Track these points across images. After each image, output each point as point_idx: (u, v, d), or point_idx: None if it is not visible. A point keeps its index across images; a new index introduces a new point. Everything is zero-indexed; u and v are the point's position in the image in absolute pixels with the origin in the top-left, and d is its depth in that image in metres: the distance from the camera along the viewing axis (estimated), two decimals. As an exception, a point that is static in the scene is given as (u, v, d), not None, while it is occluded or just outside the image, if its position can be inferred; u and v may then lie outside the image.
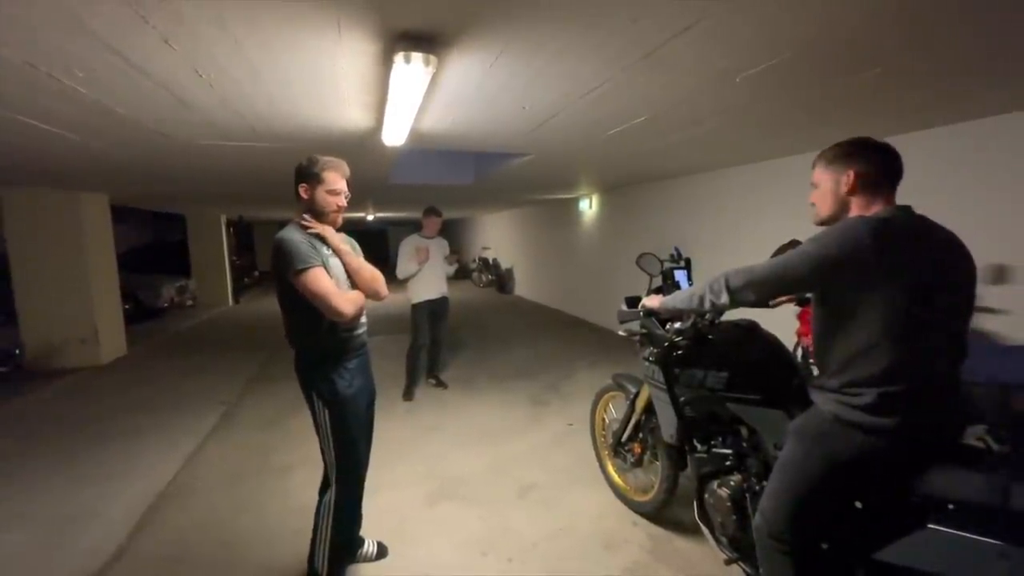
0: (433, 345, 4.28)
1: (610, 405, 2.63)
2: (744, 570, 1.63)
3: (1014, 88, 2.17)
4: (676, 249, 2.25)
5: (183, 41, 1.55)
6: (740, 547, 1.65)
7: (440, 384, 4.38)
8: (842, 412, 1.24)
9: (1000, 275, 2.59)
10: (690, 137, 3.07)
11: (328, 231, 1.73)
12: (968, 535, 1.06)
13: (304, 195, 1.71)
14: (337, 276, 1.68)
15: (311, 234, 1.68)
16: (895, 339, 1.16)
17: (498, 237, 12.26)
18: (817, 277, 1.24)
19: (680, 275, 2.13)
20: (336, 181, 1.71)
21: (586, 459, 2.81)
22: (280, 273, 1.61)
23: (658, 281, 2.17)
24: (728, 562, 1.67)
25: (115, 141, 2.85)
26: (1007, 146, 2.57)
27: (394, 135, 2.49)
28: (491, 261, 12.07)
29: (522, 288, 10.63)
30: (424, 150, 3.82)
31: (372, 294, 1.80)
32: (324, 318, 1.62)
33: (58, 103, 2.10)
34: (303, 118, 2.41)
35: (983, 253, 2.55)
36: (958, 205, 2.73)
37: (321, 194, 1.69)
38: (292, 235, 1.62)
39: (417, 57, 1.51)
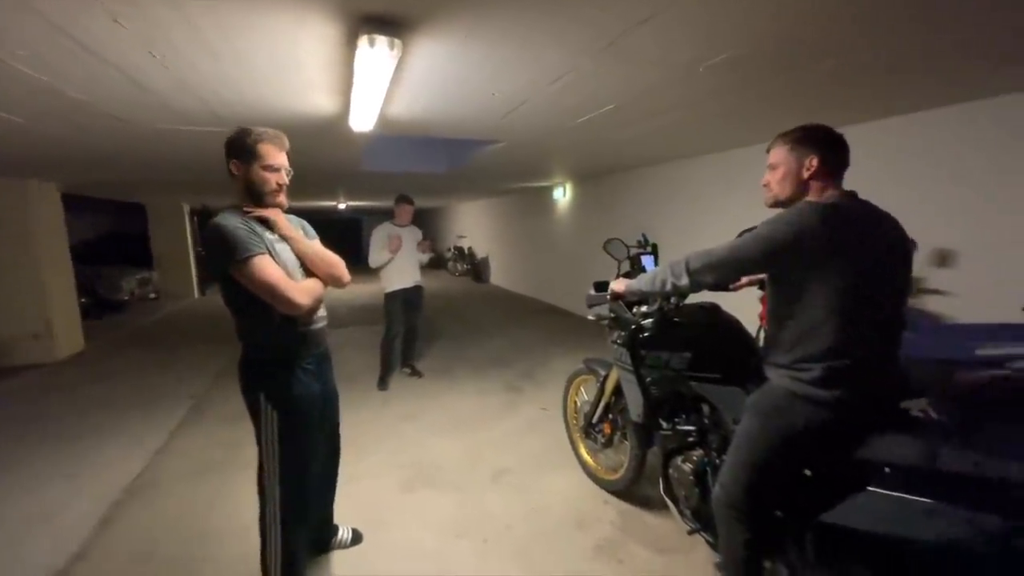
0: (408, 334, 4.27)
1: (581, 388, 2.70)
2: (705, 539, 1.71)
3: (961, 81, 2.29)
4: (643, 235, 2.30)
5: (134, 20, 1.48)
6: (702, 518, 1.73)
7: (415, 373, 4.38)
8: (793, 386, 1.31)
9: (945, 259, 2.75)
10: (658, 126, 3.12)
11: (276, 214, 1.56)
12: (903, 495, 1.15)
13: (236, 173, 1.52)
14: (287, 264, 1.52)
15: (253, 218, 1.51)
16: (841, 317, 1.24)
17: (473, 226, 12.22)
18: (770, 259, 1.30)
19: (647, 260, 2.19)
20: (274, 155, 1.51)
21: (559, 442, 2.88)
22: (217, 266, 1.43)
23: (626, 266, 2.23)
24: (691, 532, 1.76)
25: (65, 125, 2.71)
26: (954, 137, 2.71)
27: (362, 120, 2.45)
28: (467, 250, 12.03)
29: (498, 277, 10.65)
30: (396, 137, 3.76)
31: (332, 281, 1.65)
32: (276, 312, 1.46)
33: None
34: (268, 102, 2.35)
35: (930, 238, 2.74)
36: (909, 193, 2.88)
37: (257, 171, 1.50)
38: (227, 221, 1.43)
39: (382, 40, 1.49)
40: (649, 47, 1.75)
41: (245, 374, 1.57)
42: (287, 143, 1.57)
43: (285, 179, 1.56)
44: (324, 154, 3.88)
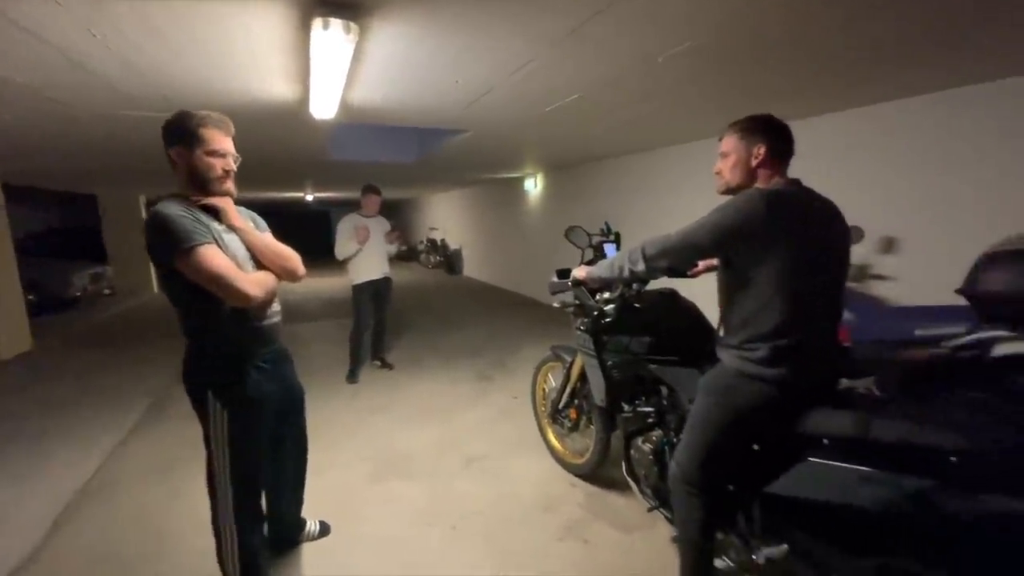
0: (377, 327, 4.23)
1: (549, 375, 2.74)
2: (664, 515, 1.79)
3: (905, 78, 2.40)
4: (606, 223, 2.34)
5: (70, -4, 1.41)
6: (661, 495, 1.80)
7: (386, 366, 4.35)
8: (742, 366, 1.38)
9: (889, 246, 2.91)
10: (622, 117, 3.17)
11: (225, 203, 1.48)
12: (840, 464, 1.23)
13: (178, 160, 1.42)
14: (236, 255, 1.44)
15: (200, 207, 1.43)
16: (785, 299, 1.30)
17: (446, 218, 12.12)
18: (719, 244, 1.35)
19: (610, 248, 2.23)
20: (218, 140, 1.43)
21: (529, 429, 2.92)
22: (159, 257, 1.34)
23: (590, 254, 2.27)
24: (650, 509, 1.83)
25: (2, 108, 2.54)
26: (899, 132, 2.85)
27: (322, 107, 2.40)
28: (439, 242, 11.94)
29: (471, 269, 10.62)
30: (362, 126, 3.70)
31: (285, 275, 1.57)
32: (224, 305, 1.39)
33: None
34: (222, 87, 2.27)
35: (877, 227, 2.89)
36: (858, 184, 3.03)
37: (200, 157, 1.41)
38: (169, 209, 1.34)
39: (336, 24, 1.46)
40: (609, 36, 1.77)
41: (191, 372, 1.49)
42: (233, 128, 1.49)
43: (232, 165, 1.48)
44: (286, 143, 3.77)
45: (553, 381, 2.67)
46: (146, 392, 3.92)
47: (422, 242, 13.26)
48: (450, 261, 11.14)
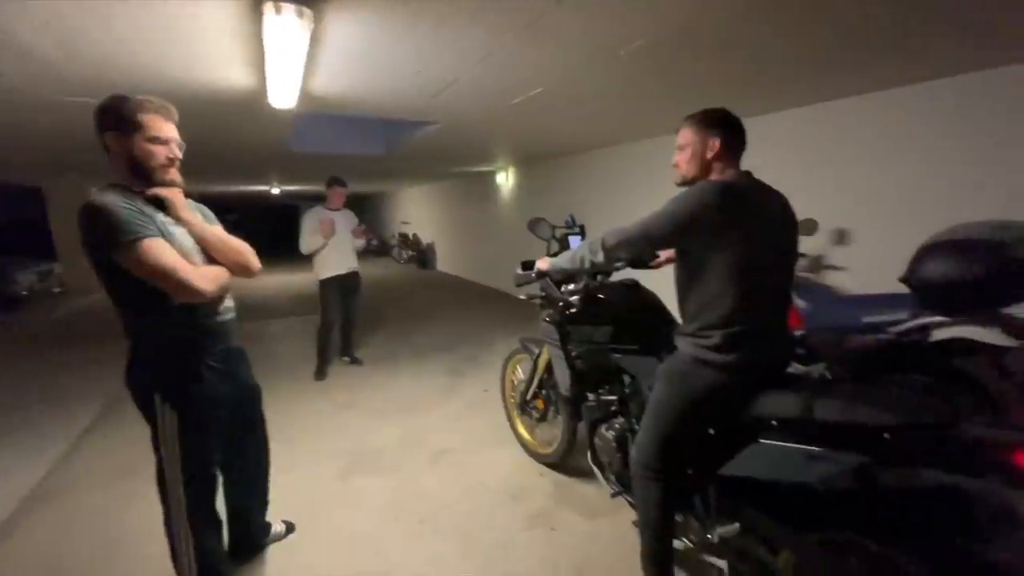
0: (345, 323, 4.16)
1: (518, 367, 2.76)
2: (627, 500, 1.83)
3: (856, 75, 2.50)
4: (571, 216, 2.37)
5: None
6: (624, 481, 1.85)
7: (355, 362, 4.28)
8: (697, 353, 1.42)
9: (841, 238, 3.04)
10: (588, 112, 3.19)
11: (174, 194, 1.40)
12: (787, 444, 1.29)
13: (114, 147, 1.33)
14: (184, 249, 1.38)
15: (144, 198, 1.35)
16: (736, 288, 1.34)
17: (418, 212, 11.98)
18: (675, 234, 1.39)
19: (574, 240, 2.26)
20: (160, 126, 1.35)
21: (499, 422, 2.93)
22: (97, 250, 1.26)
23: (556, 246, 2.29)
24: (614, 495, 1.87)
25: (-74, 93, 2.37)
26: (851, 127, 2.97)
27: (282, 96, 2.33)
28: (411, 236, 11.79)
29: (444, 263, 10.54)
30: (328, 116, 3.59)
31: (239, 270, 1.51)
32: (172, 301, 1.34)
33: None
34: (175, 74, 2.16)
35: (830, 219, 3.01)
36: (811, 178, 3.14)
37: (141, 144, 1.32)
38: (106, 199, 1.25)
39: (289, 8, 1.42)
40: (568, 29, 1.78)
41: (136, 374, 1.42)
42: (175, 113, 1.41)
43: (177, 152, 1.41)
44: (246, 133, 3.64)
45: (521, 373, 2.69)
46: (99, 393, 3.74)
47: (394, 236, 13.07)
48: (423, 255, 11.03)
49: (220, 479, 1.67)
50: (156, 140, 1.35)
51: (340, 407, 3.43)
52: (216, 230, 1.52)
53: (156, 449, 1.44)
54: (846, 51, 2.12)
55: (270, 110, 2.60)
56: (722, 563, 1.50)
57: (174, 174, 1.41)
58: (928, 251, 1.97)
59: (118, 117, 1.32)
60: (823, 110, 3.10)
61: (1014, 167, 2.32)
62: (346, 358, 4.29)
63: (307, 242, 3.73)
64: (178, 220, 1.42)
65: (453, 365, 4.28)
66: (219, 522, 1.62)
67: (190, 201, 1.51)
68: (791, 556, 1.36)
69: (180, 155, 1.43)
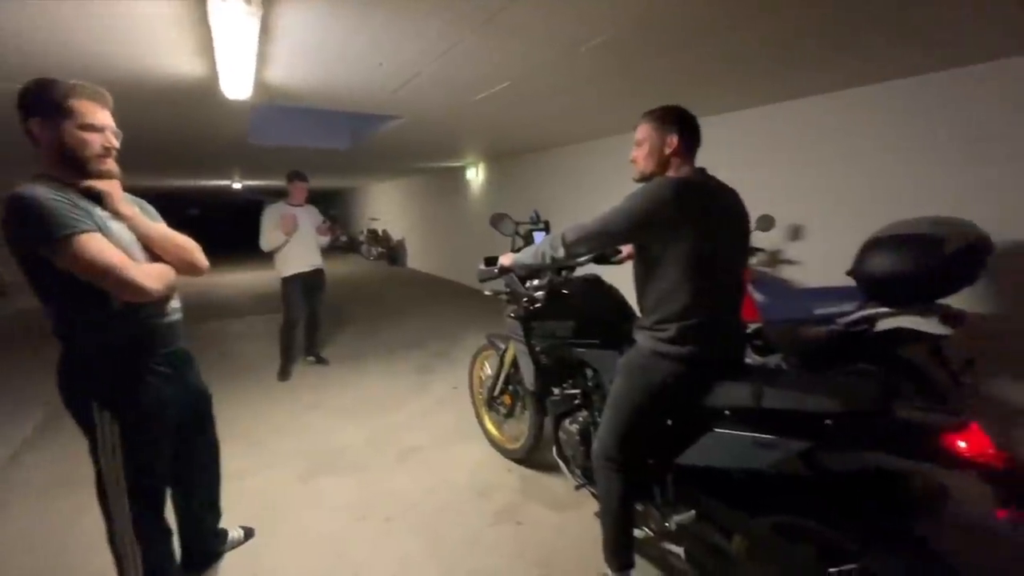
0: (310, 321, 4.06)
1: (485, 363, 2.75)
2: (591, 492, 1.86)
3: (814, 76, 2.59)
4: (535, 212, 2.37)
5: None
6: (589, 474, 1.87)
7: (321, 361, 4.18)
8: (655, 346, 1.45)
9: (796, 233, 3.16)
10: (555, 108, 3.20)
11: (113, 187, 1.31)
12: (739, 432, 1.33)
13: (41, 135, 1.23)
14: (124, 245, 1.28)
15: (81, 190, 1.26)
16: (691, 281, 1.37)
17: (388, 208, 11.78)
18: (633, 229, 1.41)
19: (539, 236, 2.26)
20: (93, 112, 1.25)
21: (468, 418, 2.92)
22: (26, 246, 1.18)
23: (520, 242, 2.29)
24: (578, 487, 1.90)
25: None
26: (805, 127, 3.08)
27: (235, 87, 2.24)
28: (380, 233, 11.59)
29: (415, 260, 10.41)
30: (291, 109, 3.47)
31: (186, 268, 1.43)
32: (112, 301, 1.25)
33: None
34: (119, 62, 2.04)
35: (786, 216, 3.12)
36: (769, 176, 3.25)
37: (72, 132, 1.23)
38: (35, 192, 1.16)
39: (235, -5, 1.36)
40: (529, 24, 1.78)
41: (70, 379, 1.32)
42: (110, 100, 1.32)
43: (113, 141, 1.32)
44: (201, 124, 3.49)
45: (489, 369, 2.69)
46: (42, 400, 3.52)
47: (362, 232, 12.82)
48: (392, 252, 10.86)
49: (168, 487, 1.60)
50: (90, 128, 1.26)
51: (305, 407, 3.35)
52: (159, 226, 1.44)
53: (95, 460, 1.36)
54: (799, 51, 2.19)
55: (224, 100, 2.49)
56: (679, 549, 1.54)
57: (111, 165, 1.32)
58: (871, 246, 2.07)
59: (44, 102, 1.22)
60: (779, 110, 3.21)
61: (955, 166, 2.46)
62: (311, 358, 4.19)
63: (268, 239, 3.62)
64: (116, 215, 1.33)
65: (423, 362, 4.24)
66: (168, 532, 1.55)
67: (128, 196, 1.42)
68: (744, 540, 1.41)
69: (117, 144, 1.34)
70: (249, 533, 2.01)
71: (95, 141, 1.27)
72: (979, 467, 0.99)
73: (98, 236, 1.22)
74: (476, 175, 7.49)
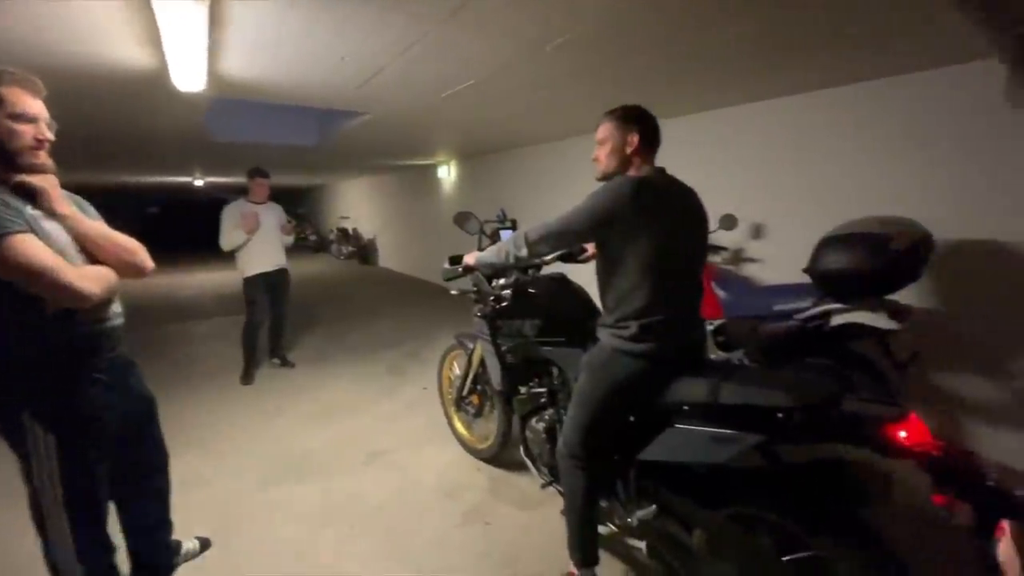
0: (275, 322, 3.94)
1: (454, 363, 2.73)
2: (557, 490, 1.86)
3: (772, 80, 2.67)
4: (501, 210, 2.36)
5: None
6: (555, 472, 1.88)
7: (286, 364, 4.06)
8: (616, 343, 1.46)
9: (758, 232, 3.25)
10: (522, 106, 3.20)
11: (46, 183, 1.23)
12: (698, 428, 1.36)
13: None
14: (60, 247, 1.21)
15: (12, 187, 1.18)
16: (651, 279, 1.39)
17: (359, 206, 11.56)
18: (594, 228, 1.42)
19: (506, 235, 2.26)
20: (25, 101, 1.18)
21: (437, 420, 2.89)
22: None
23: (488, 241, 2.27)
24: (544, 486, 1.90)
25: None
26: (765, 129, 3.17)
27: (186, 79, 2.14)
28: (351, 231, 11.37)
29: (387, 259, 10.26)
30: (253, 104, 3.33)
31: (129, 270, 1.35)
32: (45, 306, 1.18)
33: None
34: (58, 49, 1.92)
35: (748, 215, 3.21)
36: (732, 177, 3.34)
37: (1, 122, 1.16)
38: None
39: (179, -19, 1.30)
40: (494, 20, 1.76)
41: (0, 389, 1.23)
42: (43, 88, 1.24)
43: (47, 133, 1.24)
44: (154, 117, 3.33)
45: (457, 369, 2.67)
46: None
47: (331, 231, 12.54)
48: (364, 251, 10.67)
49: (112, 501, 1.51)
50: (20, 118, 1.18)
51: (269, 412, 3.24)
52: (98, 226, 1.35)
53: (27, 479, 1.27)
54: (757, 57, 2.26)
55: (176, 93, 2.38)
56: (641, 544, 1.56)
57: (44, 158, 1.24)
58: (825, 244, 2.15)
59: None
60: (741, 113, 3.29)
61: (902, 168, 2.58)
62: (276, 360, 4.07)
63: (228, 238, 3.49)
64: (52, 214, 1.24)
65: (393, 363, 4.17)
66: (111, 548, 1.46)
67: (66, 192, 1.33)
68: (703, 533, 1.44)
69: (51, 136, 1.25)
70: (205, 544, 1.93)
71: (26, 132, 1.19)
72: (917, 456, 1.03)
73: (30, 237, 1.13)
74: (448, 173, 7.42)
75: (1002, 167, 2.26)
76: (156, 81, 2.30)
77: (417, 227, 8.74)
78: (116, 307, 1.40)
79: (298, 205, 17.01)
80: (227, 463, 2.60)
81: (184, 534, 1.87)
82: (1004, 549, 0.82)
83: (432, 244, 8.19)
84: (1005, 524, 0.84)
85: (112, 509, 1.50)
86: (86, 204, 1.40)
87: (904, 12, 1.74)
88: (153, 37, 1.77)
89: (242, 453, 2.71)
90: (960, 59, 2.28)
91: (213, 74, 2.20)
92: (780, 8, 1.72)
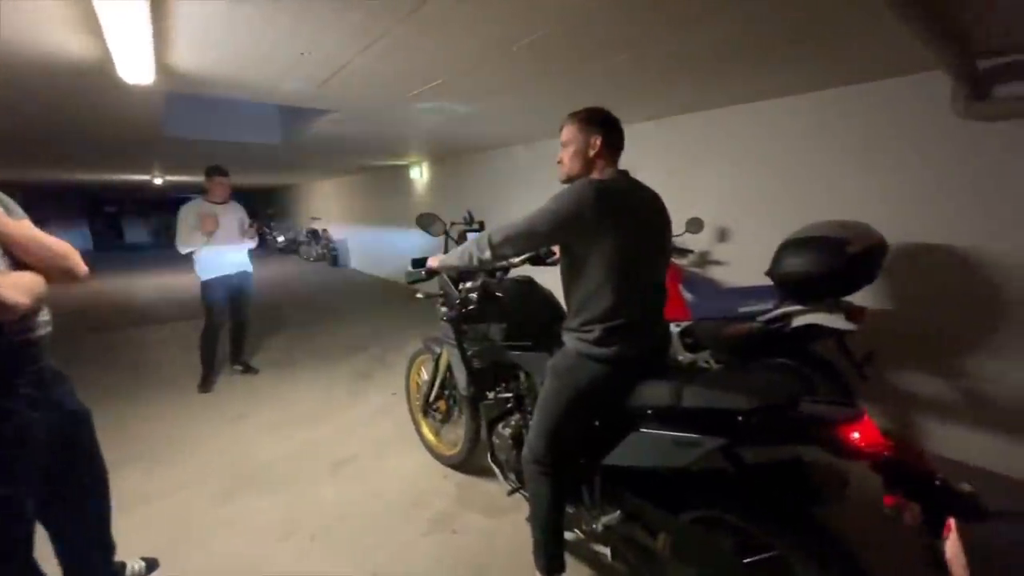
0: (236, 328, 3.79)
1: (422, 368, 2.67)
2: (524, 496, 1.83)
3: (737, 85, 2.72)
4: (468, 212, 2.33)
5: None
6: (522, 478, 1.85)
7: (249, 370, 3.91)
8: (580, 347, 1.44)
9: (724, 235, 3.32)
10: (492, 107, 3.17)
11: None
12: (660, 432, 1.35)
13: None
14: None
15: None
16: (614, 283, 1.38)
17: (330, 207, 11.30)
18: (557, 231, 1.40)
19: (472, 237, 2.22)
20: None
21: (406, 426, 2.82)
22: None
23: (454, 244, 2.23)
24: (510, 492, 1.87)
25: None
26: (730, 134, 3.24)
27: (133, 71, 2.02)
28: (321, 232, 11.11)
29: (358, 261, 10.06)
30: (215, 99, 3.18)
31: (60, 275, 1.28)
32: None
33: None
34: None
35: (714, 219, 3.27)
36: (698, 181, 3.39)
37: None
38: None
39: (114, -35, 1.21)
40: (458, 17, 1.72)
41: None
42: None
43: None
44: (100, 112, 3.14)
45: (425, 374, 2.61)
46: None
47: (301, 232, 12.22)
48: (334, 253, 10.43)
49: (43, 525, 1.40)
50: None
51: (228, 420, 3.11)
52: (24, 226, 1.24)
53: None
54: (721, 65, 2.29)
55: (124, 85, 2.25)
56: (606, 550, 1.55)
57: None
58: (785, 248, 2.19)
59: None
60: (706, 118, 3.34)
61: (861, 172, 2.67)
62: (238, 366, 3.91)
63: (184, 240, 3.33)
64: None
65: (360, 368, 4.07)
66: None
67: None
68: (668, 538, 1.43)
69: None
70: (152, 565, 1.82)
71: None
72: (870, 456, 1.05)
73: None
74: (420, 174, 7.33)
75: (949, 174, 2.37)
76: (101, 73, 2.16)
77: (389, 229, 8.60)
78: (44, 315, 1.30)
79: (269, 205, 16.55)
80: (180, 476, 2.47)
81: (129, 555, 1.76)
82: (951, 547, 0.84)
83: (404, 246, 8.07)
84: (951, 522, 0.86)
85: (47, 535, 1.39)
86: (12, 204, 1.29)
87: (853, 25, 1.80)
88: (93, 25, 1.66)
89: (197, 465, 2.58)
90: (911, 70, 2.37)
91: (163, 66, 2.09)
92: (739, 18, 1.75)
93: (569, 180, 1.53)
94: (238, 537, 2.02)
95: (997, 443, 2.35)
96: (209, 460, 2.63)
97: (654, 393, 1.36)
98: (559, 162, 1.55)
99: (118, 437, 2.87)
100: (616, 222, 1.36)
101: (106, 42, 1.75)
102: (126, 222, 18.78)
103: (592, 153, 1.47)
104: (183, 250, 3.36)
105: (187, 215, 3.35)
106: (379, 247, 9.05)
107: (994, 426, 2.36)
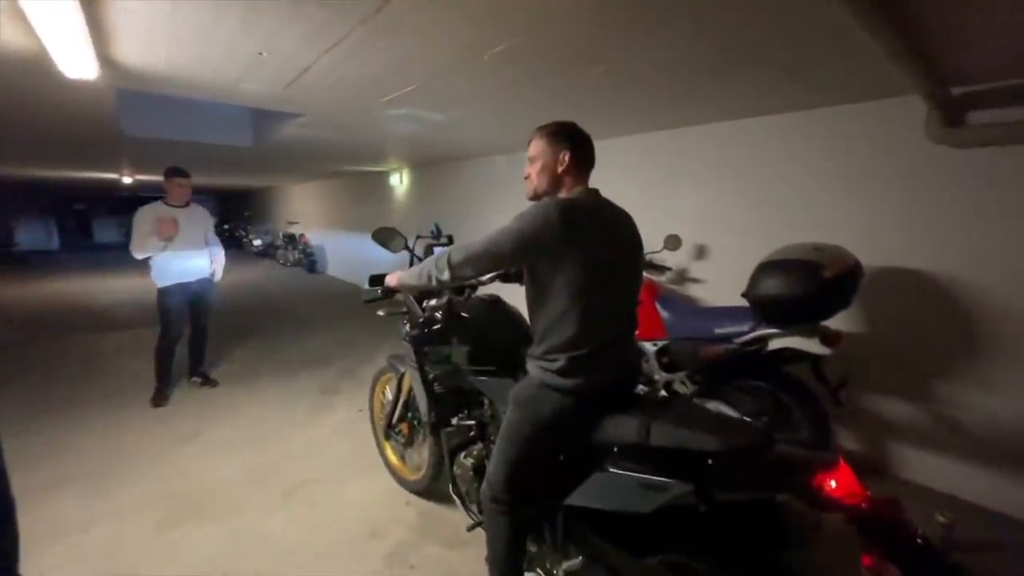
0: (195, 337, 3.59)
1: (387, 387, 2.53)
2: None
3: (709, 105, 2.69)
4: (436, 225, 2.22)
5: None
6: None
7: (208, 383, 3.70)
8: (544, 377, 1.34)
9: (701, 253, 3.27)
10: (469, 116, 3.08)
11: None
12: (627, 472, 1.25)
13: None
14: None
15: None
16: (580, 309, 1.28)
17: (308, 211, 11.06)
18: (520, 252, 1.30)
19: (440, 252, 2.11)
20: None
21: (369, 446, 2.68)
22: None
23: (419, 260, 2.12)
24: (471, 528, 1.75)
25: None
26: (708, 152, 3.20)
27: (72, 64, 1.87)
28: (298, 237, 10.84)
29: (334, 267, 9.83)
30: (182, 99, 3.01)
31: None
32: None
33: None
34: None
35: (691, 236, 3.22)
36: (676, 199, 3.34)
37: None
38: None
39: (27, -54, 1.08)
40: (422, 21, 1.63)
41: None
42: None
43: None
44: (42, 107, 2.95)
45: (389, 393, 2.48)
46: None
47: (278, 237, 11.91)
48: (311, 258, 10.18)
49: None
50: None
51: (179, 439, 2.91)
52: None
53: None
54: (697, 81, 2.25)
55: (65, 80, 2.09)
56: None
57: None
58: (761, 270, 2.14)
59: None
60: (686, 135, 3.30)
61: (837, 194, 2.65)
62: (196, 378, 3.70)
63: (139, 244, 3.15)
64: None
65: (326, 382, 3.90)
66: None
67: None
68: (633, 583, 1.33)
69: None
70: (72, 607, 1.64)
71: None
72: (846, 508, 0.97)
73: None
74: (400, 182, 7.20)
75: (925, 199, 2.35)
76: (39, 66, 2.00)
77: (367, 236, 8.42)
78: None
79: (245, 207, 16.16)
80: (119, 501, 2.28)
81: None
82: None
83: (382, 254, 7.89)
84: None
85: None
86: None
87: (819, 45, 1.77)
88: (19, 13, 1.51)
89: (139, 488, 2.39)
90: (887, 93, 2.36)
91: (107, 61, 1.94)
92: (709, 32, 1.69)
93: (536, 197, 1.44)
94: (174, 572, 1.85)
95: (968, 470, 2.32)
96: (152, 484, 2.44)
97: (620, 429, 1.27)
98: (526, 178, 1.46)
99: (55, 455, 2.67)
100: (582, 244, 1.27)
101: (35, 32, 1.61)
102: (96, 220, 18.14)
103: (560, 169, 1.38)
104: (138, 255, 3.18)
105: (143, 218, 3.17)
106: (357, 254, 8.85)
107: (965, 453, 2.33)
